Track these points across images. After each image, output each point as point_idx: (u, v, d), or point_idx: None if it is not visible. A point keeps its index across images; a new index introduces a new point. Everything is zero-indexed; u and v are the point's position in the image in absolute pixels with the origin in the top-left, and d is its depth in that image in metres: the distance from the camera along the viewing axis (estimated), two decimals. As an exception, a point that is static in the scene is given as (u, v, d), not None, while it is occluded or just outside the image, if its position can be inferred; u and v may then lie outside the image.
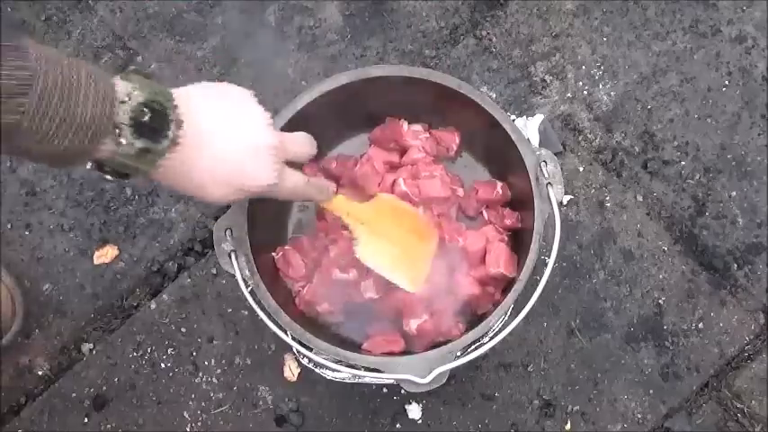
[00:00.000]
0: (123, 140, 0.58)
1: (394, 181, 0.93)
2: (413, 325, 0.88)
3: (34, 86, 0.52)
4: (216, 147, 0.64)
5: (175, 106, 0.61)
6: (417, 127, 0.96)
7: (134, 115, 0.58)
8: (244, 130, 0.66)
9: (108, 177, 0.62)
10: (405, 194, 0.92)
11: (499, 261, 0.89)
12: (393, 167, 0.96)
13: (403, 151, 0.96)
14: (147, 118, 0.58)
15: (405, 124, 0.95)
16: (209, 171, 0.64)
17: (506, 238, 0.93)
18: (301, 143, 0.75)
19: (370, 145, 0.98)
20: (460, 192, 0.96)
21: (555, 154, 0.91)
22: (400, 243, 0.87)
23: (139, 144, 0.58)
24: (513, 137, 0.88)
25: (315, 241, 0.93)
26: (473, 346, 0.85)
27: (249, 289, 0.83)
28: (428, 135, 0.96)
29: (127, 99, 0.58)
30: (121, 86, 0.58)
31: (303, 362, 1.00)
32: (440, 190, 0.92)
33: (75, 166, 0.60)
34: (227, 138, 0.65)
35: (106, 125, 0.57)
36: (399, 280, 0.86)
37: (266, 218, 0.91)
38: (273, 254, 0.93)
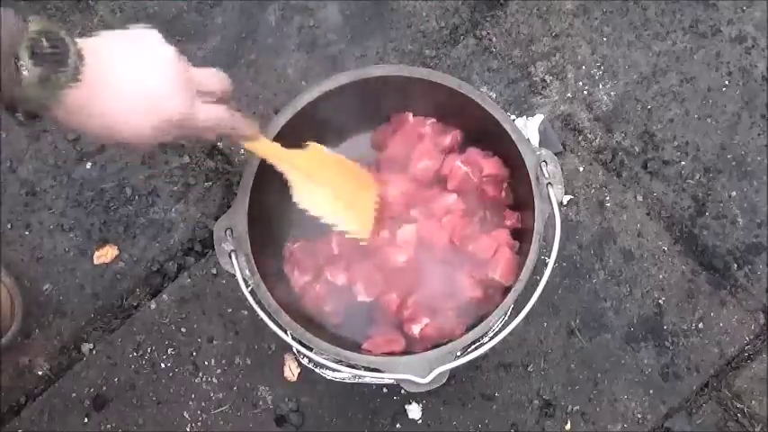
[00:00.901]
0: (23, 67, 0.58)
1: (444, 161, 0.94)
2: (415, 330, 0.88)
3: None
4: (122, 80, 0.64)
5: (74, 41, 0.61)
6: (421, 117, 0.96)
7: (32, 43, 0.59)
8: (150, 61, 0.66)
9: (20, 118, 0.63)
10: (466, 175, 0.92)
11: (497, 268, 0.88)
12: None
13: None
14: (45, 45, 0.59)
15: (410, 115, 0.95)
16: (117, 105, 0.64)
17: (513, 243, 0.92)
18: (210, 74, 0.74)
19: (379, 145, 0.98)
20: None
21: (555, 154, 0.91)
22: (340, 190, 0.86)
23: (39, 71, 0.59)
24: (513, 137, 0.88)
25: (321, 242, 0.93)
26: (473, 346, 0.85)
27: (249, 289, 0.83)
28: (434, 120, 0.96)
29: (23, 30, 0.59)
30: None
31: (303, 362, 1.01)
32: (501, 167, 0.92)
33: None
34: (133, 70, 0.65)
35: (10, 52, 0.58)
36: (345, 226, 0.86)
37: (266, 218, 0.91)
38: (288, 244, 0.93)
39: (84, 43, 0.62)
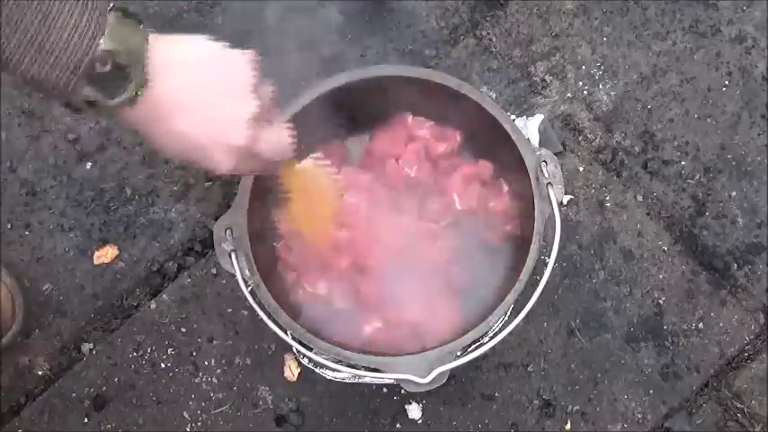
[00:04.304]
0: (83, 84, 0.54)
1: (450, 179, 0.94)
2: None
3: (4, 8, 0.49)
4: (174, 123, 0.59)
5: (146, 65, 0.56)
6: (421, 118, 0.96)
7: (93, 64, 0.53)
8: (213, 122, 0.60)
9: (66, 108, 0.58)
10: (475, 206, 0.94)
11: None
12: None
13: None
14: (105, 69, 0.53)
15: (409, 117, 0.95)
16: (164, 138, 0.60)
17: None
18: (274, 143, 0.67)
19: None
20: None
21: (555, 154, 0.91)
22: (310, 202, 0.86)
23: (87, 92, 0.54)
24: (513, 137, 0.89)
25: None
26: (473, 346, 0.85)
27: (249, 289, 0.83)
28: (432, 123, 0.96)
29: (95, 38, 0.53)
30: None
31: (303, 362, 1.01)
32: (509, 204, 0.94)
33: (47, 95, 0.56)
34: (189, 121, 0.59)
35: (80, 65, 0.52)
36: (309, 238, 0.88)
37: (266, 217, 0.91)
38: (275, 244, 0.93)
39: (157, 60, 0.56)
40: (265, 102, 0.64)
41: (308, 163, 0.82)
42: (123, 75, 0.55)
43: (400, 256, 0.91)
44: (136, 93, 0.56)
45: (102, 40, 0.53)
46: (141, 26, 0.57)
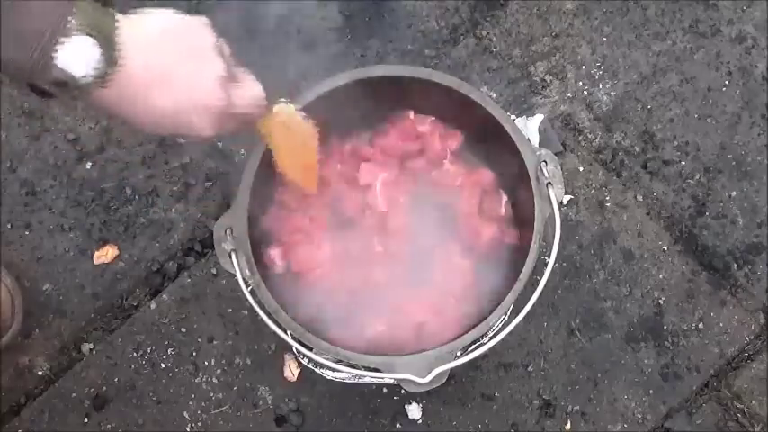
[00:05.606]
0: (53, 60, 0.54)
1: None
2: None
3: None
4: (152, 98, 0.60)
5: (117, 44, 0.56)
6: (422, 116, 0.96)
7: (64, 42, 0.54)
8: (189, 88, 0.62)
9: (35, 93, 0.58)
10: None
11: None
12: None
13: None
14: (76, 48, 0.54)
15: (411, 113, 0.96)
16: (142, 115, 0.61)
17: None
18: (248, 98, 0.70)
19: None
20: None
21: (555, 154, 0.91)
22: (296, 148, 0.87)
23: (56, 74, 0.55)
24: (513, 137, 0.88)
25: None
26: (473, 346, 0.85)
27: (249, 289, 0.83)
28: (434, 118, 0.96)
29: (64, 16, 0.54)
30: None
31: (303, 362, 1.01)
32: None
33: (18, 79, 0.56)
34: (167, 92, 0.61)
35: (49, 42, 0.53)
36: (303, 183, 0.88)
37: (266, 217, 0.91)
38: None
39: (127, 40, 0.57)
40: (228, 60, 0.67)
41: (280, 108, 0.82)
42: (94, 54, 0.55)
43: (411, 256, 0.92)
44: (107, 71, 0.57)
45: (71, 19, 0.54)
46: (110, 9, 0.58)
